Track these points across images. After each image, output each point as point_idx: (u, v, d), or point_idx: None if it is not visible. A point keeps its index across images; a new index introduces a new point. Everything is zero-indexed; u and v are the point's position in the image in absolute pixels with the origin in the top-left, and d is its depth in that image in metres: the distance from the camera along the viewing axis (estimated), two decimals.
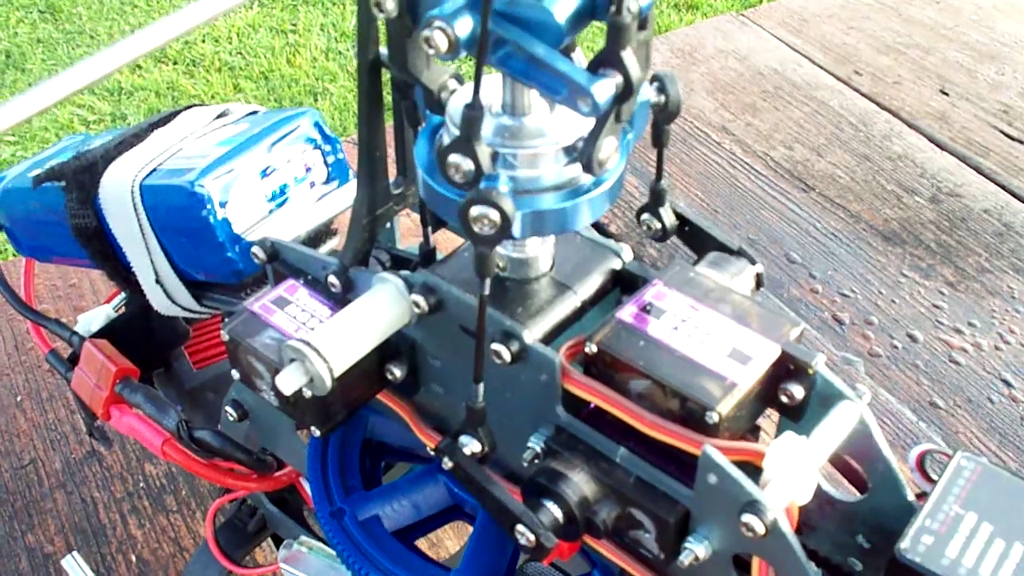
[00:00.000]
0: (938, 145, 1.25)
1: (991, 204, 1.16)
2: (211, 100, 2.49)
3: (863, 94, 1.34)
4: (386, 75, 0.43)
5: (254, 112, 0.62)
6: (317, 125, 0.58)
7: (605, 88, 0.34)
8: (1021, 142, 1.25)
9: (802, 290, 1.05)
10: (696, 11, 2.76)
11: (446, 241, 0.50)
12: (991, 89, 1.35)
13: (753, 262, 0.46)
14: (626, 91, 0.35)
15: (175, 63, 2.67)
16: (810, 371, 0.40)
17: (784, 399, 0.40)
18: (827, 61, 1.41)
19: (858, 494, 0.43)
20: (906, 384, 0.95)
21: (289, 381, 0.41)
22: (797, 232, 1.12)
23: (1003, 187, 1.18)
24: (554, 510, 0.41)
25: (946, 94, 1.34)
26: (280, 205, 0.58)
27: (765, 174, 1.21)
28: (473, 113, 0.34)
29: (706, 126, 1.29)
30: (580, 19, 0.36)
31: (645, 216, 0.45)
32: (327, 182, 0.59)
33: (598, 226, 0.49)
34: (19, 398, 0.96)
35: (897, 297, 1.04)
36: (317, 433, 0.48)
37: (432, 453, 0.48)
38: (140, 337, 0.71)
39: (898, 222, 1.13)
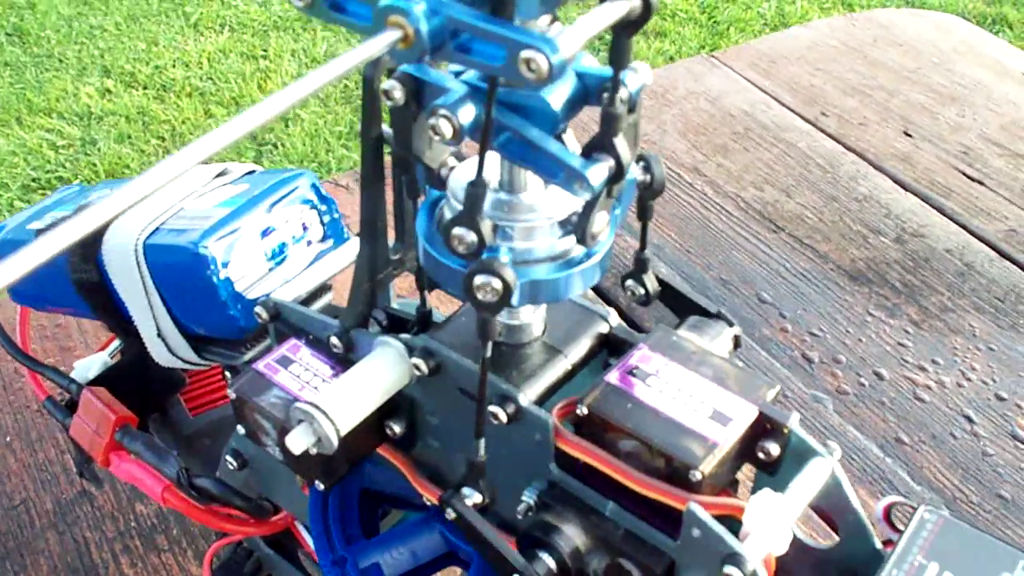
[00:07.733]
0: (902, 186, 1.29)
1: (953, 244, 1.20)
2: (181, 126, 2.50)
3: (830, 135, 1.39)
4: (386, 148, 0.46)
5: (252, 171, 0.65)
6: (314, 187, 0.61)
7: (599, 172, 0.38)
8: (980, 183, 1.30)
9: (772, 329, 1.08)
10: (664, 38, 2.81)
11: (440, 303, 0.53)
12: (952, 131, 1.40)
13: (731, 324, 0.49)
14: (618, 173, 0.38)
15: (145, 88, 2.66)
16: (785, 430, 0.43)
17: (761, 456, 0.44)
18: (795, 103, 1.45)
19: (835, 537, 0.46)
20: (873, 421, 0.99)
21: (298, 441, 0.44)
22: (768, 272, 1.16)
23: (964, 227, 1.23)
24: (548, 560, 0.44)
25: (910, 136, 1.39)
26: (279, 263, 0.60)
27: (736, 215, 1.25)
28: (476, 191, 0.38)
29: (679, 167, 1.33)
30: (574, 106, 0.39)
31: (629, 283, 0.48)
32: (323, 240, 0.62)
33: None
34: (8, 439, 0.98)
35: (864, 336, 1.08)
36: (320, 487, 0.50)
37: (429, 504, 0.50)
38: (137, 384, 0.73)
39: (864, 262, 1.17)
